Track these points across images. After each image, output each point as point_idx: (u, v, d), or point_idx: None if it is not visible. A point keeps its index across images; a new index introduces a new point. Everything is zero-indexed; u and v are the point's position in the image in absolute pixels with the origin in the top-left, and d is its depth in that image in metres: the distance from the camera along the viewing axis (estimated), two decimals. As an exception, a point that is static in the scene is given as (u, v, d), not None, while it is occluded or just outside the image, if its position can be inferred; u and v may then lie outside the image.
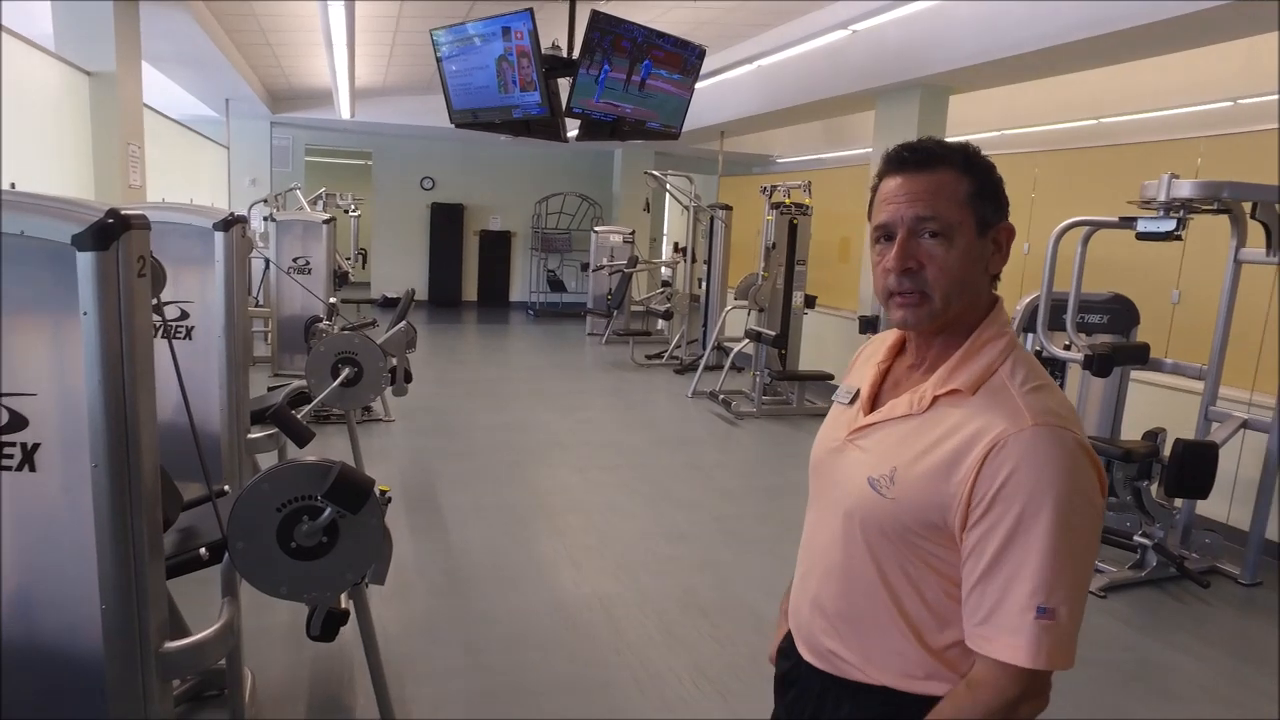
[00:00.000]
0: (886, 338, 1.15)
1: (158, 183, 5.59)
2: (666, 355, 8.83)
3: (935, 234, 0.97)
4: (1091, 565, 0.94)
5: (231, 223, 2.96)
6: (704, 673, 2.71)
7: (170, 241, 2.90)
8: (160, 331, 1.72)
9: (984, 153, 1.04)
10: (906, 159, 1.00)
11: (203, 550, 1.93)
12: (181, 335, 3.03)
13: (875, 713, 1.04)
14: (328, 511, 1.80)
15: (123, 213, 1.30)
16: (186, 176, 7.66)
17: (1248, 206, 3.55)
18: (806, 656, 1.12)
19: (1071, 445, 0.91)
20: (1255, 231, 3.61)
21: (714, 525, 4.04)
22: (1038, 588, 0.89)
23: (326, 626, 2.11)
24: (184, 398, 1.71)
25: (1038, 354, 3.94)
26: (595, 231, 10.78)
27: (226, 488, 2.59)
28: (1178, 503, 3.78)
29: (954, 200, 0.97)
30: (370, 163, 12.64)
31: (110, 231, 1.26)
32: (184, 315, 3.03)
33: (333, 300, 5.44)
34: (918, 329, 1.02)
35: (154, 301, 1.48)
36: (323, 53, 6.46)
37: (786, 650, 1.20)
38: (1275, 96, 5.31)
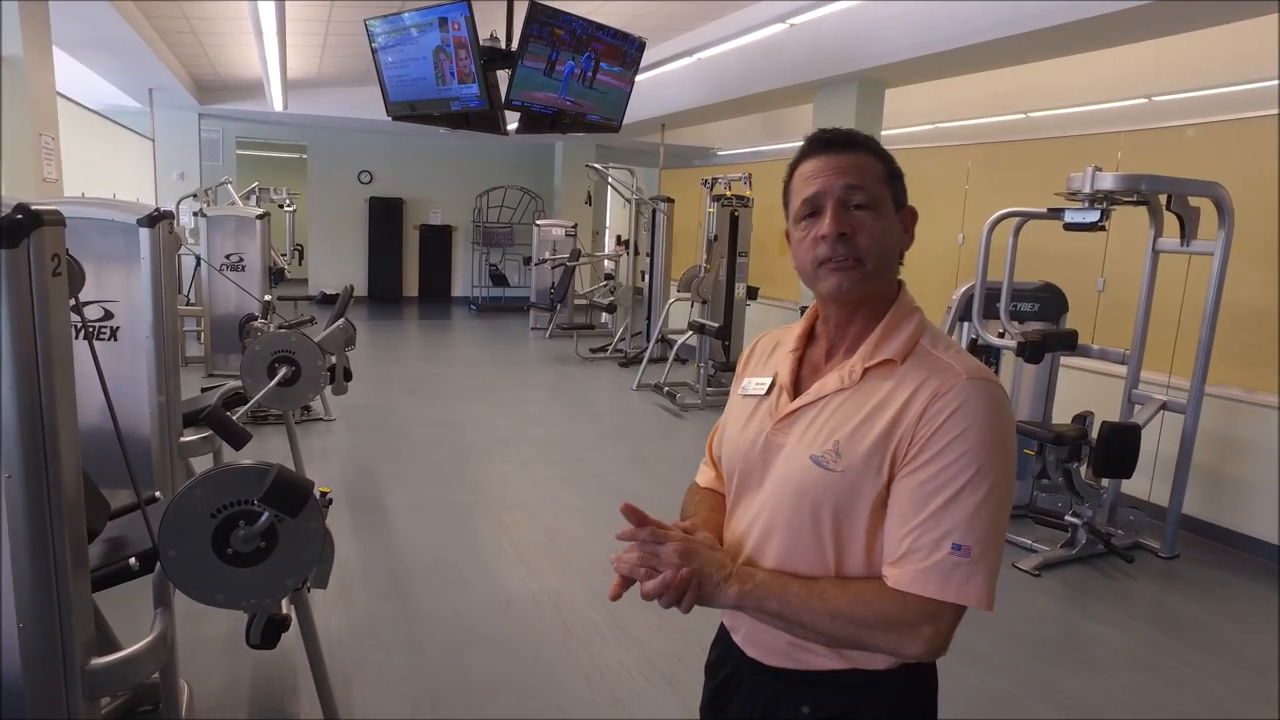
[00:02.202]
0: (791, 329, 1.17)
1: (76, 177, 5.34)
2: (610, 349, 8.83)
3: (862, 205, 1.02)
4: (1008, 512, 0.98)
5: (157, 218, 2.85)
6: (653, 665, 2.73)
7: (91, 238, 2.78)
8: (81, 333, 1.64)
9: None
10: (830, 140, 1.05)
11: (132, 560, 1.85)
12: (105, 336, 2.90)
13: (841, 701, 1.04)
14: (265, 516, 1.75)
15: (34, 208, 1.23)
16: (108, 170, 7.33)
17: (1163, 199, 3.71)
18: (757, 656, 1.10)
19: (1000, 398, 0.98)
20: (1172, 223, 3.77)
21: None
22: (953, 526, 0.93)
23: (267, 634, 2.06)
24: (108, 401, 1.64)
25: (973, 342, 4.06)
26: (537, 225, 10.71)
27: (158, 494, 2.50)
28: (1105, 482, 3.94)
29: (877, 177, 1.03)
30: (305, 156, 12.29)
31: (19, 228, 1.20)
32: (108, 315, 2.90)
33: (268, 298, 5.28)
34: (850, 295, 1.03)
35: (72, 302, 1.41)
36: (252, 42, 6.25)
37: (720, 660, 1.18)
38: (1245, 87, 5.53)
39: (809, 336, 1.14)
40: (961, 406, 0.94)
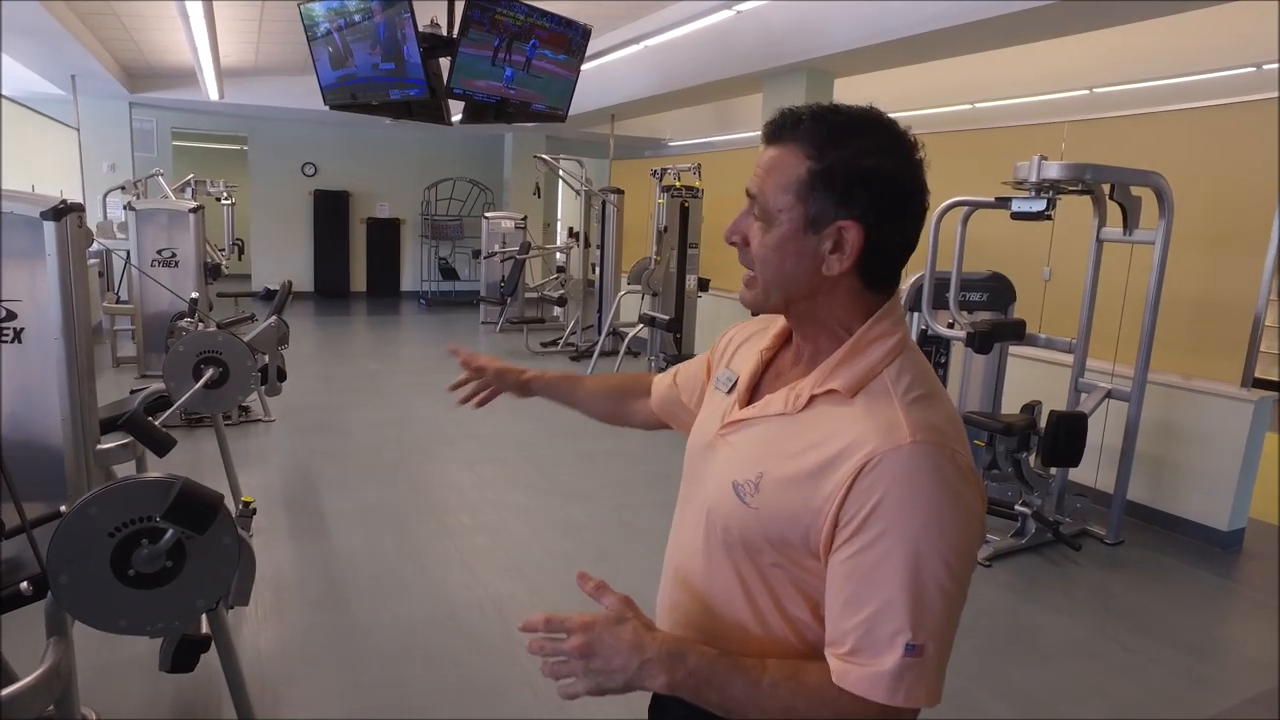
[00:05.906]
0: (773, 322, 1.05)
1: (-11, 168, 5.04)
2: (562, 342, 8.71)
3: (758, 215, 0.91)
4: (965, 593, 0.85)
5: (64, 211, 2.66)
6: (602, 671, 2.64)
7: (-11, 233, 2.58)
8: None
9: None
10: (767, 126, 0.92)
11: (24, 585, 1.70)
12: (9, 339, 2.71)
13: None
14: (170, 533, 1.61)
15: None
16: (28, 162, 6.97)
17: (1107, 188, 3.73)
18: None
19: (950, 466, 0.82)
20: (1115, 213, 3.80)
21: (609, 517, 3.97)
22: (905, 624, 0.81)
23: (180, 657, 1.92)
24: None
25: (923, 332, 4.04)
26: (486, 218, 10.52)
27: (63, 509, 2.33)
28: (1053, 471, 3.97)
29: (783, 185, 0.88)
30: (245, 148, 11.89)
31: None
32: (11, 316, 2.71)
33: (194, 295, 5.04)
34: (754, 310, 0.95)
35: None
36: (180, 27, 5.96)
37: None
38: (1183, 79, 5.63)
39: (788, 335, 1.02)
40: (899, 481, 0.80)
